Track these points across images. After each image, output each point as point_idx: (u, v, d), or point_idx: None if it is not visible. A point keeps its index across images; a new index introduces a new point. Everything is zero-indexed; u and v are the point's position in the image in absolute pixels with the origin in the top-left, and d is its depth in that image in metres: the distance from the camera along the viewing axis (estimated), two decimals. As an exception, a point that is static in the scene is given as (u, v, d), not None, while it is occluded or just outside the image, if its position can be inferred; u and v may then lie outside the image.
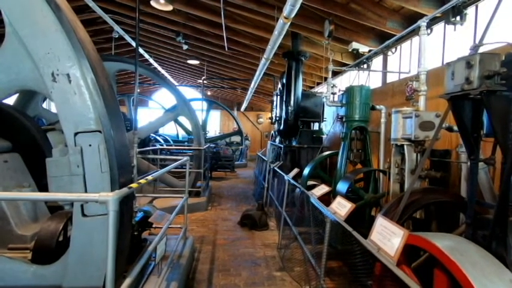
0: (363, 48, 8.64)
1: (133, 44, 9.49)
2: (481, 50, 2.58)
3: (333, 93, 6.73)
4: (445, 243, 2.11)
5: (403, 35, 6.80)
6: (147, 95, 25.12)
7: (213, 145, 16.03)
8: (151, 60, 14.26)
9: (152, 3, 8.74)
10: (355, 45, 8.54)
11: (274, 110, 12.46)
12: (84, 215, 2.33)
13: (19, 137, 3.69)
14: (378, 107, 5.76)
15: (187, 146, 14.16)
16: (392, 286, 2.34)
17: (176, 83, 21.12)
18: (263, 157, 11.51)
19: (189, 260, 4.69)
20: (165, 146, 13.07)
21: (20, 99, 5.89)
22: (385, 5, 7.11)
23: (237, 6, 8.47)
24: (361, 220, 4.90)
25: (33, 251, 2.78)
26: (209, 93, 24.94)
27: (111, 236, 1.92)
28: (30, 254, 2.80)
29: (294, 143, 8.84)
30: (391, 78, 8.28)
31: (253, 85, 14.41)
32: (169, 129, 19.92)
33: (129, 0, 9.70)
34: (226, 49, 11.94)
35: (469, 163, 2.93)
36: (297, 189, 5.74)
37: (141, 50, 12.49)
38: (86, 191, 2.32)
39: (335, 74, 11.45)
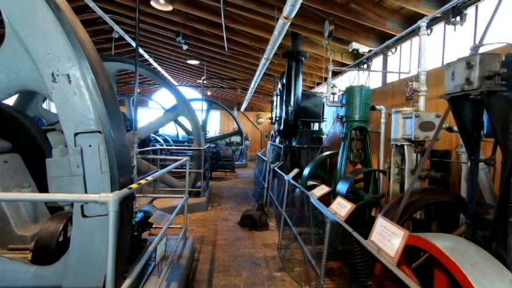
0: (363, 49, 8.64)
1: (133, 44, 9.49)
2: (481, 50, 2.58)
3: (333, 94, 6.73)
4: (445, 243, 2.11)
5: (403, 35, 6.80)
6: (147, 95, 25.13)
7: (213, 145, 16.03)
8: (151, 61, 14.26)
9: (152, 3, 8.74)
10: (355, 45, 8.54)
11: (274, 110, 12.46)
12: (84, 215, 2.33)
13: (19, 137, 3.69)
14: (377, 107, 5.76)
15: (187, 146, 14.15)
16: (392, 286, 2.34)
17: (176, 83, 21.12)
18: (263, 157, 11.51)
19: (189, 260, 4.69)
20: (165, 146, 13.06)
21: (20, 99, 5.89)
22: (385, 5, 7.11)
23: (236, 6, 8.47)
24: (361, 220, 4.89)
25: (33, 251, 2.78)
26: (209, 93, 24.94)
27: (111, 236, 1.92)
28: (30, 255, 2.80)
29: (294, 143, 8.84)
30: (391, 78, 8.28)
31: (253, 85, 14.41)
32: (169, 130, 19.92)
33: (129, 0, 9.70)
34: (226, 49, 11.94)
35: (469, 163, 2.93)
36: (297, 190, 5.74)
37: (141, 50, 12.50)
38: (86, 192, 2.32)
39: (335, 74, 11.45)
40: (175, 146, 15.27)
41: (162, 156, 9.48)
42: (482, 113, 2.46)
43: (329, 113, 9.87)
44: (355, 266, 3.09)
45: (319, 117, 9.27)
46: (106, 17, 9.01)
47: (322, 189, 4.68)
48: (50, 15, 2.27)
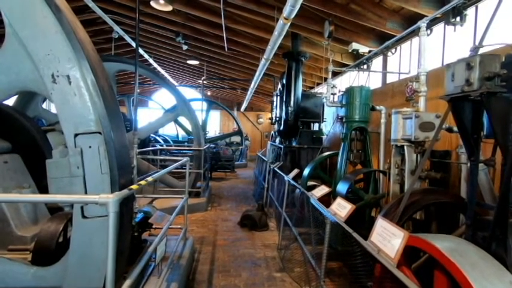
0: (363, 49, 8.64)
1: (133, 44, 9.49)
2: (481, 51, 2.58)
3: (333, 94, 6.73)
4: (444, 244, 2.11)
5: (403, 36, 6.80)
6: (147, 95, 25.13)
7: (213, 145, 16.03)
8: (151, 61, 14.26)
9: (152, 3, 8.74)
10: (355, 45, 8.55)
11: (274, 110, 12.47)
12: (84, 216, 2.33)
13: (19, 137, 3.69)
14: (377, 107, 5.76)
15: (187, 146, 14.15)
16: (392, 287, 2.34)
17: (176, 83, 21.12)
18: (263, 157, 11.51)
19: (189, 260, 4.69)
20: (165, 147, 13.06)
21: (19, 99, 5.89)
22: (385, 5, 7.12)
23: (236, 6, 8.47)
24: (361, 221, 4.89)
25: (33, 252, 2.77)
26: (209, 93, 24.94)
27: (111, 237, 1.92)
28: (30, 256, 2.80)
29: (294, 144, 8.84)
30: (391, 78, 8.28)
31: (253, 85, 14.41)
32: (169, 130, 19.92)
33: (129, 1, 9.71)
34: (226, 49, 11.94)
35: (469, 164, 2.93)
36: (297, 190, 5.74)
37: (141, 51, 12.50)
38: (86, 192, 2.32)
39: (335, 74, 11.45)
40: (175, 146, 15.27)
41: (162, 157, 9.49)
42: (482, 114, 2.46)
43: (329, 113, 9.88)
44: (355, 267, 3.09)
45: (319, 118, 9.28)
46: (106, 17, 9.02)
47: (322, 190, 4.68)
48: (50, 16, 2.27)
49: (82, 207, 2.33)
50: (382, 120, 5.74)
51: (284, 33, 6.86)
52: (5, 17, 2.27)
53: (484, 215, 2.85)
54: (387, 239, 2.42)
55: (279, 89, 10.84)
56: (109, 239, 1.93)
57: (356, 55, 9.38)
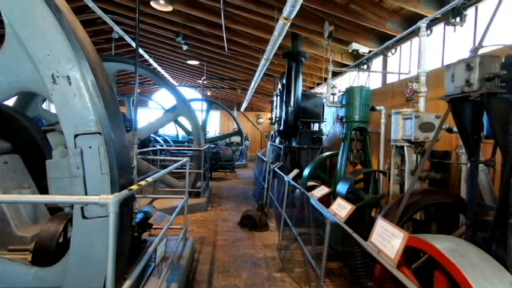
0: (363, 49, 8.64)
1: (133, 44, 9.48)
2: (481, 51, 2.58)
3: (333, 94, 6.73)
4: (444, 245, 2.11)
5: (403, 36, 6.80)
6: (147, 95, 25.13)
7: (213, 145, 16.03)
8: (151, 61, 14.26)
9: (152, 3, 8.74)
10: (355, 46, 8.55)
11: (274, 110, 12.47)
12: (84, 216, 2.33)
13: (19, 138, 3.69)
14: (377, 107, 5.77)
15: (187, 146, 14.15)
16: (392, 288, 2.34)
17: (176, 84, 21.12)
18: (263, 157, 11.51)
19: (189, 261, 4.69)
20: (164, 147, 13.06)
21: (19, 100, 5.89)
22: (385, 5, 7.12)
23: (236, 6, 8.47)
24: (361, 221, 4.89)
25: (33, 252, 2.77)
26: (209, 93, 24.94)
27: (112, 237, 1.92)
28: (30, 256, 2.80)
29: (293, 144, 8.84)
30: (391, 79, 8.29)
31: (253, 85, 14.41)
32: (169, 130, 19.92)
33: (129, 1, 9.71)
34: (226, 49, 11.94)
35: (469, 165, 2.93)
36: (297, 190, 5.74)
37: (141, 51, 12.50)
38: (86, 193, 2.32)
39: (335, 74, 11.45)
40: (175, 146, 15.28)
41: (162, 157, 9.48)
42: (482, 115, 2.46)
43: (329, 113, 9.88)
44: (355, 267, 3.09)
45: (319, 118, 9.28)
46: (106, 18, 9.02)
47: (322, 190, 4.69)
48: (50, 16, 2.27)
49: (82, 208, 2.33)
50: (382, 121, 5.74)
51: (284, 33, 6.86)
52: (5, 18, 2.28)
53: (484, 216, 2.85)
54: (387, 239, 2.42)
55: (279, 89, 10.84)
56: (109, 240, 1.93)
57: (356, 55, 9.38)
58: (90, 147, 2.31)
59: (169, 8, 9.23)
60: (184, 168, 5.19)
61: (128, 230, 2.85)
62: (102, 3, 9.56)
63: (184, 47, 12.67)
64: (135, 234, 3.60)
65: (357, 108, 5.63)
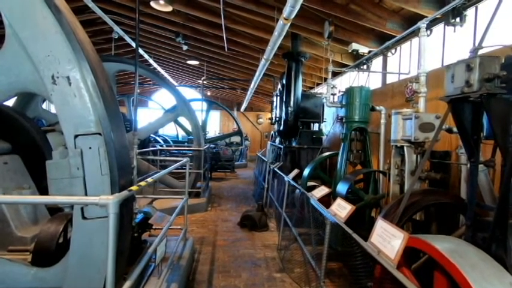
0: (363, 49, 8.64)
1: (133, 44, 9.48)
2: (481, 52, 2.59)
3: (333, 94, 6.74)
4: (444, 245, 2.11)
5: (403, 36, 6.80)
6: (147, 95, 25.13)
7: (213, 145, 16.03)
8: (151, 61, 14.26)
9: (152, 4, 8.74)
10: (355, 46, 8.55)
11: (274, 110, 12.47)
12: (84, 217, 2.33)
13: (19, 138, 3.69)
14: (377, 108, 5.77)
15: (187, 146, 14.15)
16: (392, 288, 2.34)
17: (176, 84, 21.12)
18: (263, 158, 11.51)
19: (189, 261, 4.69)
20: (164, 147, 13.06)
21: (19, 100, 5.89)
22: (385, 6, 7.12)
23: (236, 7, 8.47)
24: (361, 221, 4.90)
25: (33, 253, 2.77)
26: (209, 93, 24.94)
27: (112, 238, 1.92)
28: (30, 256, 2.80)
29: (293, 144, 8.84)
30: (391, 79, 8.29)
31: (253, 85, 14.41)
32: (169, 130, 19.91)
33: (129, 1, 9.71)
34: (226, 50, 11.94)
35: (469, 165, 2.93)
36: (297, 190, 5.74)
37: (141, 51, 12.50)
38: (86, 193, 2.32)
39: (335, 74, 11.45)
40: (175, 146, 15.27)
41: (162, 157, 9.48)
42: (482, 115, 2.46)
43: (329, 113, 9.88)
44: (355, 268, 3.10)
45: (319, 118, 9.28)
46: (106, 18, 9.01)
47: (322, 190, 4.69)
48: (50, 16, 2.27)
49: (82, 208, 2.33)
50: (382, 121, 5.74)
51: (284, 33, 6.86)
52: (5, 18, 2.27)
53: (484, 216, 2.85)
54: (387, 240, 2.42)
55: (279, 89, 10.84)
56: (109, 240, 1.93)
57: (356, 55, 9.38)
58: (90, 147, 2.31)
59: (169, 8, 9.23)
60: (184, 169, 5.19)
61: (128, 231, 2.85)
62: (102, 3, 9.56)
63: (184, 47, 12.67)
64: (135, 234, 3.60)
65: (356, 108, 5.63)
